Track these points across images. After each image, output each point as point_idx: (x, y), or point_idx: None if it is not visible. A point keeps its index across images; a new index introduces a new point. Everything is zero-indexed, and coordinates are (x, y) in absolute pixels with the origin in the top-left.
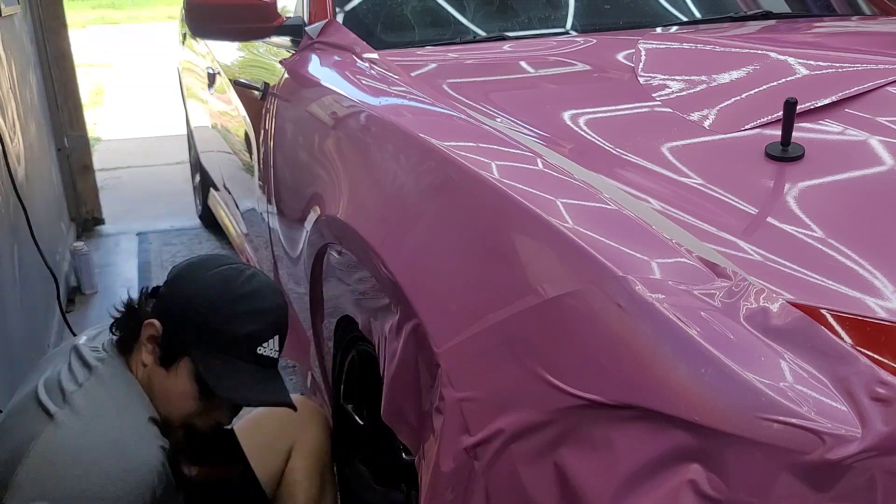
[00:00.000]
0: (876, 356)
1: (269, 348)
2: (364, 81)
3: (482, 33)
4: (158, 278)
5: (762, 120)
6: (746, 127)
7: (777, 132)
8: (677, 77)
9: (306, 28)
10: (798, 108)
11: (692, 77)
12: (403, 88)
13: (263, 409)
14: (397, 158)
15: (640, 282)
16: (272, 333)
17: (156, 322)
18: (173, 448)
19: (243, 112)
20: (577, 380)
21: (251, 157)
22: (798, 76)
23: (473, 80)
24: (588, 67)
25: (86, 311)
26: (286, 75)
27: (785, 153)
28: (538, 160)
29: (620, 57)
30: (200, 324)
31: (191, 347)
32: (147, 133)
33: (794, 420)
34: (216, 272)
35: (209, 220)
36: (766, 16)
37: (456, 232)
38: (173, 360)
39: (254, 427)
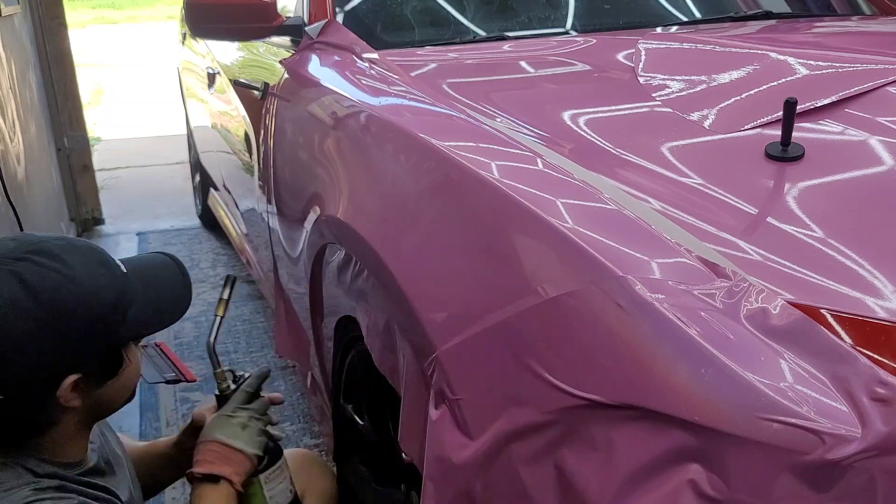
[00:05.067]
0: (876, 356)
1: (116, 261)
2: (364, 81)
3: (482, 33)
4: None
5: (762, 120)
6: (746, 127)
7: (777, 132)
8: (677, 77)
9: (306, 28)
10: (798, 108)
11: (692, 77)
12: (403, 88)
13: None
14: (397, 158)
15: (640, 282)
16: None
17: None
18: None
19: (243, 112)
20: (577, 380)
21: (251, 157)
22: (798, 76)
23: (473, 79)
24: (588, 67)
25: None
26: (286, 75)
27: (785, 153)
28: (538, 160)
29: (620, 57)
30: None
31: (122, 339)
32: (147, 133)
33: (794, 420)
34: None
35: (209, 220)
36: (766, 16)
37: (456, 232)
38: (118, 362)
39: None
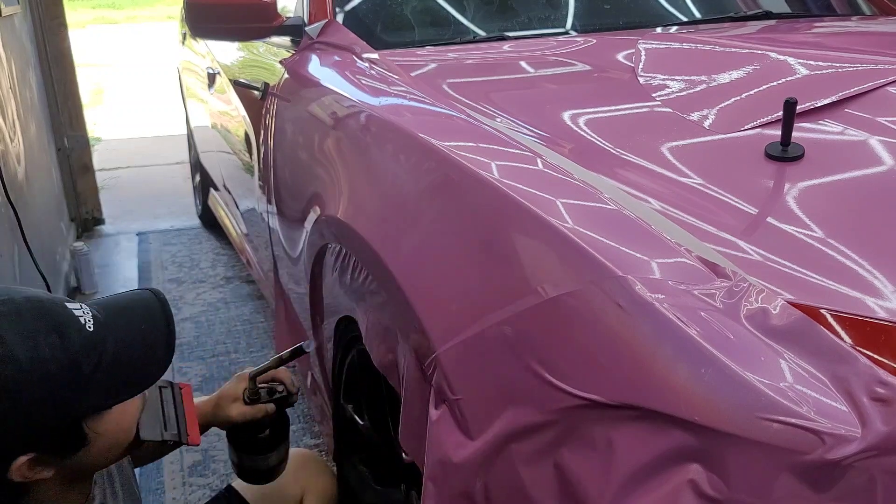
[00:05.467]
0: (876, 356)
1: (84, 318)
2: (364, 81)
3: (482, 33)
4: (158, 278)
5: (762, 120)
6: (746, 127)
7: (777, 132)
8: (677, 77)
9: (306, 28)
10: (798, 108)
11: (692, 77)
12: (403, 88)
13: None
14: (397, 158)
15: (640, 282)
16: (71, 310)
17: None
18: None
19: (243, 112)
20: (577, 380)
21: (251, 157)
22: (798, 76)
23: (473, 80)
24: (588, 67)
25: None
26: (286, 75)
27: (785, 153)
28: (538, 160)
29: (620, 57)
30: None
31: (86, 413)
32: (147, 133)
33: (794, 420)
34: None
35: (209, 220)
36: (767, 16)
37: (456, 232)
38: (81, 437)
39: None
